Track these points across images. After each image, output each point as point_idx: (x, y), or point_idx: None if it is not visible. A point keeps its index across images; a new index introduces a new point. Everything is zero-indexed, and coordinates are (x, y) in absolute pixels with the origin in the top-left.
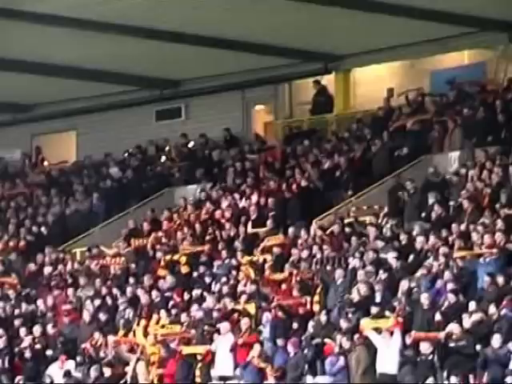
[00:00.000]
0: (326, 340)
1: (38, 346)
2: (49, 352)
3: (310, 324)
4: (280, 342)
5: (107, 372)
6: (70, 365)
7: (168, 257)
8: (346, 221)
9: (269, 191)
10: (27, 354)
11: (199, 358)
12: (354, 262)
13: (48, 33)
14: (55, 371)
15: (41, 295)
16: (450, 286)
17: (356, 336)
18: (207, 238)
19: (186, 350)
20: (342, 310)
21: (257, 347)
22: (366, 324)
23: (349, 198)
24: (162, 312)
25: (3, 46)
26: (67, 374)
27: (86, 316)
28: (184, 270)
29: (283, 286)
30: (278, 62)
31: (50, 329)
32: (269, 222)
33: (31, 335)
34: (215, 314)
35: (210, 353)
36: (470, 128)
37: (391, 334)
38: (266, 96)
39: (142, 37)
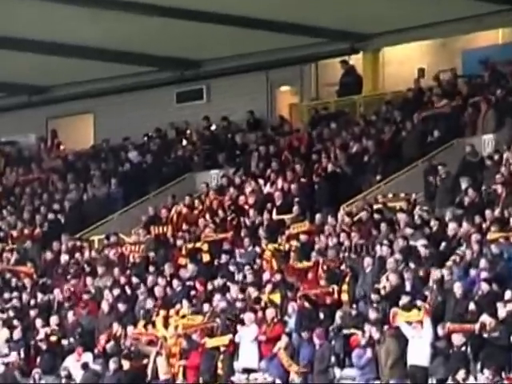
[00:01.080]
0: (354, 331)
1: (54, 338)
2: (65, 343)
3: (338, 314)
4: (306, 333)
5: (126, 365)
6: (88, 357)
7: (189, 245)
8: (375, 207)
9: (294, 176)
10: (43, 346)
11: (222, 349)
12: (382, 250)
13: (64, 12)
14: (72, 364)
15: (57, 285)
16: (483, 274)
17: (386, 327)
18: (230, 225)
19: (210, 342)
20: (371, 300)
21: (284, 339)
22: (397, 314)
23: (377, 183)
24: (184, 302)
25: (18, 25)
26: (85, 366)
27: (105, 306)
28: (205, 258)
29: (309, 275)
30: (303, 42)
31: (66, 319)
32: (294, 209)
33: (47, 326)
34: (239, 305)
35: (233, 344)
36: (504, 110)
37: (422, 324)
38: (291, 77)
39: (162, 15)
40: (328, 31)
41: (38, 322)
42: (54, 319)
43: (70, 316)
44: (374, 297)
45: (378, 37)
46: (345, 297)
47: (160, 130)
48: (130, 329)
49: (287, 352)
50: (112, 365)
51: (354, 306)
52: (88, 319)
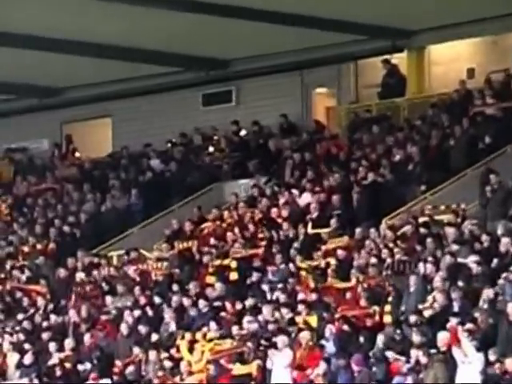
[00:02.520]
0: (395, 356)
1: (69, 363)
2: (81, 369)
3: (379, 338)
4: (344, 358)
5: None
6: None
7: (217, 262)
8: (420, 220)
9: (332, 186)
10: (57, 372)
11: (253, 375)
12: (427, 268)
13: (81, 7)
14: None
15: (72, 305)
16: None
17: (433, 351)
18: (261, 240)
19: (238, 369)
20: (415, 322)
21: (322, 365)
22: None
23: (423, 193)
24: (211, 324)
25: (28, 21)
26: None
27: (124, 329)
28: (233, 276)
29: (348, 295)
30: (341, 39)
31: (82, 343)
32: (332, 222)
33: (61, 350)
34: (271, 327)
35: (262, 371)
36: None
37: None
38: (328, 78)
39: (187, 11)
40: (368, 27)
41: (52, 346)
42: (68, 342)
43: (87, 339)
44: (417, 318)
45: (424, 33)
46: (387, 319)
47: (185, 136)
48: (152, 353)
49: (325, 379)
50: None
51: (397, 328)
52: (106, 342)
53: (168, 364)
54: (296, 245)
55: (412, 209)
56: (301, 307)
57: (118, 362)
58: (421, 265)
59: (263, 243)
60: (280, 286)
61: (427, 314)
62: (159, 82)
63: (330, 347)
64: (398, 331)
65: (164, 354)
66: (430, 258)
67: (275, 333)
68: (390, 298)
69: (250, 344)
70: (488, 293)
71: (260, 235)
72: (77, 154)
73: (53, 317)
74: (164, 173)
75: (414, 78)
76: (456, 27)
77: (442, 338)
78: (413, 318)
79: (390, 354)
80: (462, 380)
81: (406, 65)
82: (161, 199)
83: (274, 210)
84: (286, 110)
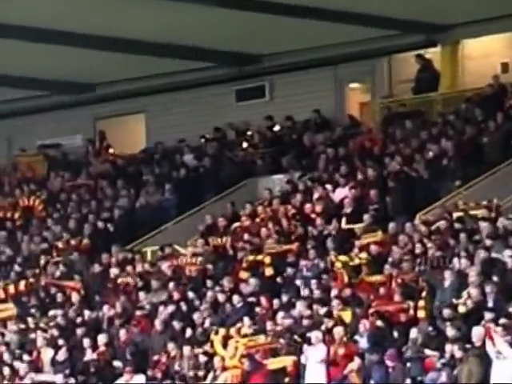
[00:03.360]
0: (430, 352)
1: (103, 358)
2: (116, 365)
3: (414, 333)
4: (377, 353)
5: None
6: (140, 379)
7: (251, 257)
8: (455, 215)
9: (366, 181)
10: (91, 368)
11: (288, 369)
12: (461, 263)
13: (114, 4)
14: None
15: (107, 300)
16: None
17: (468, 346)
18: (295, 235)
19: (273, 364)
20: (449, 317)
21: (356, 360)
22: (491, 329)
23: (457, 188)
24: (245, 320)
25: (63, 18)
26: None
27: (158, 324)
28: (268, 271)
29: (382, 290)
30: (375, 34)
31: (117, 339)
32: (366, 217)
33: (95, 346)
34: (305, 322)
35: (297, 365)
36: None
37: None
38: (362, 73)
39: (221, 6)
40: (402, 22)
41: (86, 342)
42: (103, 338)
43: (121, 335)
44: (452, 313)
45: (458, 28)
46: (421, 314)
47: (218, 131)
48: (186, 349)
49: (359, 375)
50: None
51: (432, 323)
52: (141, 338)
53: (202, 359)
54: (330, 240)
55: (446, 204)
56: (335, 302)
57: (153, 358)
58: (455, 260)
59: (297, 238)
60: (314, 281)
61: (462, 309)
62: (193, 77)
63: (364, 342)
64: (432, 326)
65: (198, 350)
66: (463, 253)
67: (309, 328)
68: (423, 293)
69: (284, 339)
70: None
71: (294, 230)
72: (110, 150)
73: (87, 312)
74: (198, 168)
75: (447, 72)
76: (490, 22)
77: (477, 333)
78: (447, 313)
79: (424, 350)
80: (496, 375)
81: (440, 59)
82: (194, 195)
83: (308, 206)
84: (319, 105)
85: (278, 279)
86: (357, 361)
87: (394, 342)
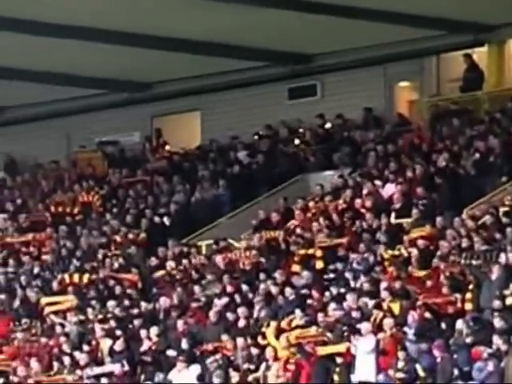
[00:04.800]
0: (477, 343)
1: (159, 349)
2: (171, 355)
3: (461, 324)
4: (425, 344)
5: (235, 377)
6: (196, 369)
7: (302, 251)
8: (501, 210)
9: (414, 177)
10: (148, 358)
11: (338, 361)
12: (508, 257)
13: (169, 3)
14: (177, 376)
15: (163, 293)
16: None
17: None
18: (345, 229)
19: (323, 350)
20: (497, 309)
21: (405, 351)
22: None
23: (503, 184)
24: (296, 312)
25: (120, 18)
26: (201, 378)
27: (213, 316)
28: (319, 265)
29: (430, 283)
30: (423, 34)
31: (173, 330)
32: (414, 212)
33: (152, 336)
34: (355, 314)
35: (351, 352)
36: None
37: None
38: (411, 72)
39: (273, 7)
40: (450, 22)
41: (143, 332)
42: (157, 329)
43: (178, 326)
44: (499, 305)
45: (505, 28)
46: (468, 306)
47: (270, 128)
48: (239, 340)
49: (407, 365)
50: (216, 379)
51: (479, 315)
52: (196, 329)
53: (254, 351)
54: (379, 234)
55: (492, 199)
56: (384, 295)
57: (208, 348)
58: (502, 254)
59: (348, 233)
60: (364, 274)
61: (509, 301)
62: (246, 76)
63: (413, 334)
64: (474, 320)
65: (251, 341)
66: (510, 247)
67: (359, 320)
68: (471, 286)
69: (334, 331)
70: None
71: (344, 225)
72: (167, 147)
73: (143, 304)
74: (251, 164)
75: (494, 71)
76: None
77: None
78: (496, 304)
79: (469, 342)
80: None
81: (487, 59)
82: (248, 190)
83: (358, 201)
84: (369, 104)
85: (329, 272)
86: (405, 351)
87: (442, 333)
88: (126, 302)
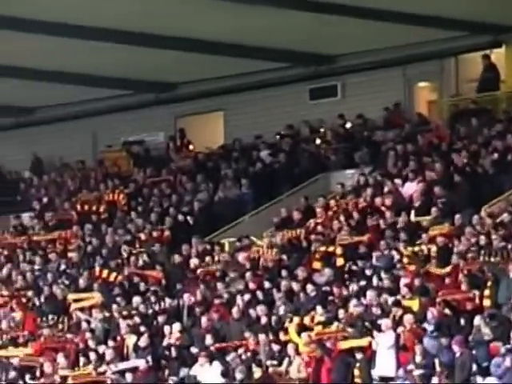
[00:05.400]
0: (494, 338)
1: (183, 344)
2: (195, 351)
3: (479, 321)
4: (445, 340)
5: (257, 372)
6: (218, 365)
7: (323, 248)
8: None
9: (434, 176)
10: (172, 353)
11: (358, 357)
12: None
13: (194, 6)
14: (200, 371)
15: (187, 289)
16: None
17: None
18: (366, 227)
19: (344, 344)
20: None
21: (423, 346)
22: None
23: None
24: (318, 308)
25: (146, 20)
26: (225, 374)
27: (236, 312)
28: (339, 262)
29: (449, 280)
30: (442, 35)
31: (196, 326)
32: (433, 210)
33: (176, 332)
34: (375, 310)
35: (371, 347)
36: None
37: None
38: (430, 72)
39: (295, 9)
40: (468, 24)
41: (166, 328)
42: (181, 325)
43: (203, 322)
44: None
45: None
46: (487, 302)
47: (291, 128)
48: (261, 336)
49: (426, 359)
50: (239, 374)
51: (497, 312)
52: (219, 325)
53: (275, 347)
54: (399, 232)
55: (510, 197)
56: (403, 291)
57: (231, 344)
58: None
59: (368, 230)
60: (384, 271)
61: None
62: (269, 77)
63: (432, 329)
64: (490, 316)
65: (272, 337)
66: None
67: (379, 316)
68: (489, 283)
69: (355, 327)
70: None
71: (365, 223)
72: (191, 147)
73: (168, 301)
74: (273, 164)
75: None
76: None
77: None
78: None
79: (487, 338)
80: None
81: (504, 59)
82: (270, 189)
83: (378, 199)
84: (389, 104)
85: (350, 269)
86: (424, 346)
87: (461, 329)
88: (151, 299)
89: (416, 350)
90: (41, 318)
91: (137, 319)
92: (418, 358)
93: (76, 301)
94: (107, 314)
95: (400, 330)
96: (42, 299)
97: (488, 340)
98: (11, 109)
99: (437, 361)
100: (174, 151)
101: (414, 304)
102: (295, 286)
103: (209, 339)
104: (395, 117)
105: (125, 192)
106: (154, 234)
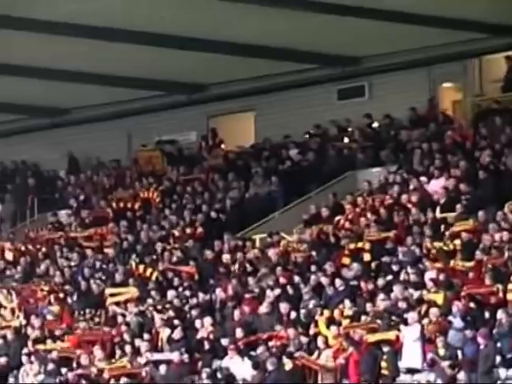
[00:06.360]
0: None
1: (215, 337)
2: (226, 343)
3: (501, 314)
4: (470, 332)
5: (288, 364)
6: (247, 363)
7: (352, 245)
8: None
9: (458, 174)
10: (205, 346)
11: (385, 349)
12: None
13: (224, 8)
14: (231, 363)
15: (219, 284)
16: None
17: None
18: (392, 223)
19: (372, 337)
20: None
21: (448, 338)
22: None
23: None
24: (346, 302)
25: (181, 24)
26: (256, 365)
27: (267, 306)
28: (366, 257)
29: (473, 274)
30: (466, 37)
31: (228, 319)
32: (458, 207)
33: (208, 326)
34: (402, 304)
35: (399, 340)
36: None
37: None
38: (454, 73)
39: (323, 12)
40: (491, 26)
41: (199, 322)
42: (209, 319)
43: (235, 315)
44: None
45: None
46: (510, 296)
47: (319, 127)
48: (291, 329)
49: (450, 351)
50: (270, 366)
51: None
52: (251, 319)
53: (304, 339)
54: (425, 228)
55: None
56: (429, 286)
57: (262, 337)
58: None
59: (395, 227)
60: (410, 266)
61: None
62: (298, 78)
63: (457, 323)
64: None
65: (302, 330)
66: None
67: (406, 309)
68: None
69: (382, 320)
70: None
71: (391, 219)
72: (222, 146)
73: (200, 295)
74: (302, 162)
75: None
76: None
77: None
78: None
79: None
80: None
81: None
82: (299, 186)
83: (404, 196)
84: (414, 104)
85: (377, 264)
86: (448, 338)
87: (486, 322)
88: (184, 293)
89: (440, 342)
90: (78, 312)
91: (171, 313)
92: (442, 351)
93: (112, 295)
94: (142, 308)
95: (425, 322)
96: (79, 294)
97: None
98: (48, 110)
99: (459, 353)
100: (206, 150)
101: (440, 298)
102: (324, 281)
103: (239, 332)
104: (430, 110)
105: (159, 190)
106: (188, 230)
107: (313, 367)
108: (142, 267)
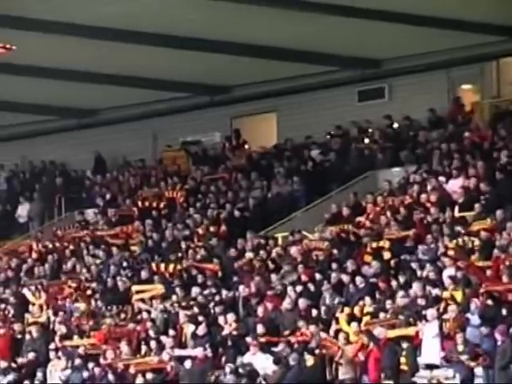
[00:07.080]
0: None
1: (238, 333)
2: (248, 339)
3: None
4: (487, 329)
5: (309, 360)
6: (268, 359)
7: (374, 243)
8: None
9: (476, 174)
10: (228, 342)
11: (404, 345)
12: None
13: (247, 11)
14: (253, 359)
15: (242, 281)
16: None
17: None
18: (412, 222)
19: (392, 333)
20: None
21: (466, 334)
22: None
23: None
24: (366, 299)
25: (205, 27)
26: (277, 361)
27: (289, 303)
28: (386, 255)
29: (490, 272)
30: (484, 40)
31: (251, 316)
32: (476, 206)
33: (231, 322)
34: (421, 301)
35: (419, 336)
36: None
37: None
38: (473, 75)
39: (343, 15)
40: (508, 29)
41: (223, 318)
42: (232, 315)
43: (258, 312)
44: None
45: None
46: None
47: (339, 128)
48: (311, 327)
49: (468, 347)
50: (292, 361)
51: None
52: (273, 315)
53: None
54: (444, 227)
55: None
56: (447, 283)
57: (284, 333)
58: None
59: (414, 225)
60: (429, 264)
61: None
62: (319, 79)
63: (475, 320)
64: None
65: (322, 326)
66: None
67: (425, 306)
68: None
69: (402, 317)
70: None
71: (411, 218)
72: (246, 146)
73: (224, 292)
74: (323, 162)
75: None
76: None
77: None
78: None
79: None
80: None
81: None
82: (320, 186)
83: (424, 196)
84: (433, 105)
85: (397, 262)
86: (467, 335)
87: (504, 319)
88: (208, 290)
89: (459, 338)
90: (105, 308)
91: (195, 309)
92: (461, 347)
93: (138, 292)
94: (167, 305)
95: (444, 318)
96: (105, 291)
97: None
98: (76, 111)
99: (478, 349)
100: (230, 150)
101: (458, 295)
102: (345, 278)
103: (260, 328)
104: (457, 108)
105: (183, 189)
106: (211, 228)
107: (334, 350)
108: (166, 265)
